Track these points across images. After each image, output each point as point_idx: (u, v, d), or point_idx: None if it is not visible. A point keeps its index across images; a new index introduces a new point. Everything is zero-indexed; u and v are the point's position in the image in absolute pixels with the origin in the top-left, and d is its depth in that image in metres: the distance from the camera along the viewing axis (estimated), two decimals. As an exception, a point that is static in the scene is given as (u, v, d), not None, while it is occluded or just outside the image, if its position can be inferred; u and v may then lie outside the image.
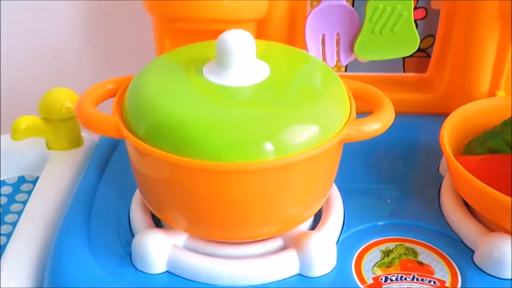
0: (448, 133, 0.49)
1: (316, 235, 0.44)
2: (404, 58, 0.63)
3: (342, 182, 0.49)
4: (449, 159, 0.46)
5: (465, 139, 0.51)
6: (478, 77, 0.60)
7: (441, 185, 0.52)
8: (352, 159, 0.56)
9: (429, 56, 0.63)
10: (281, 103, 0.42)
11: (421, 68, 0.64)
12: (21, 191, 0.60)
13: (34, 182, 0.60)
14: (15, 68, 0.70)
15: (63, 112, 0.58)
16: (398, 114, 0.61)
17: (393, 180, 0.53)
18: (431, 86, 0.63)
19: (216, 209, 0.42)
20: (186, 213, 0.43)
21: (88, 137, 0.62)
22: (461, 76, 0.61)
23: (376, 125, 0.43)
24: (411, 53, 0.56)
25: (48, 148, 0.59)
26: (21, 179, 0.60)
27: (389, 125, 0.44)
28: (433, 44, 0.62)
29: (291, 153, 0.39)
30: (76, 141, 0.59)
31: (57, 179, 0.56)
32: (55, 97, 0.58)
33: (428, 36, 0.62)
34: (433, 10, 0.60)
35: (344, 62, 0.56)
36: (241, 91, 0.42)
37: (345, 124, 0.42)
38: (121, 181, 0.52)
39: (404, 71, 0.64)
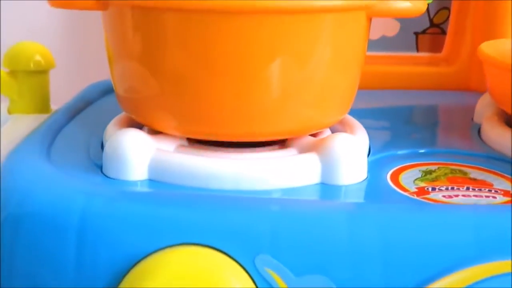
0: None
1: (343, 134, 0.35)
2: (417, 35, 0.58)
3: (364, 125, 0.41)
4: (491, 59, 0.39)
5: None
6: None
7: (479, 128, 0.43)
8: (372, 117, 0.48)
9: (444, 32, 0.57)
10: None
11: (436, 46, 0.58)
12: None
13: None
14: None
15: (31, 65, 0.50)
16: (415, 90, 0.55)
17: (424, 126, 0.45)
18: (449, 64, 0.57)
19: (218, 83, 0.32)
20: (179, 99, 0.33)
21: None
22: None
23: (406, 3, 0.36)
24: (431, 1, 0.51)
25: (9, 112, 0.50)
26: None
27: (420, 11, 0.36)
28: (448, 18, 0.57)
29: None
30: (43, 105, 0.50)
31: (14, 139, 0.47)
32: (23, 49, 0.50)
33: (441, 9, 0.57)
34: (447, -23, 0.56)
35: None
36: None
37: (372, -5, 0.35)
38: (95, 122, 0.43)
39: (417, 50, 0.58)
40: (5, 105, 0.52)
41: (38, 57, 0.50)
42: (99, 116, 0.44)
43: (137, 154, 0.33)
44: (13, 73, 0.49)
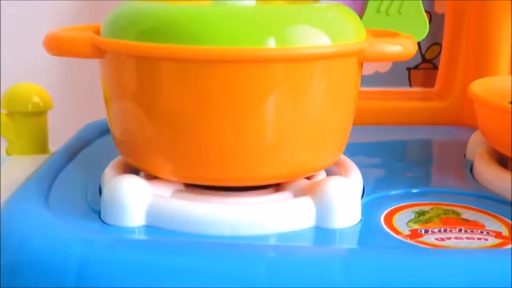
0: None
1: (337, 178, 0.35)
2: (409, 71, 0.59)
3: (358, 163, 0.42)
4: (479, 98, 0.40)
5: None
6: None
7: (471, 165, 0.44)
8: (365, 154, 0.49)
9: (436, 67, 0.58)
10: (291, 8, 0.35)
11: (428, 81, 0.59)
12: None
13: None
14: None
15: (29, 106, 0.50)
16: (408, 126, 0.56)
17: (416, 164, 0.45)
18: (441, 99, 0.58)
19: (210, 132, 0.33)
20: (174, 145, 0.34)
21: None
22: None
23: (397, 47, 0.37)
24: (421, 39, 0.52)
25: (7, 153, 0.51)
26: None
27: (411, 53, 0.37)
28: (439, 53, 0.58)
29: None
30: (41, 146, 0.51)
31: (13, 181, 0.47)
32: (21, 90, 0.50)
33: (433, 45, 0.58)
34: (438, 14, 0.57)
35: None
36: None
37: (363, 39, 0.36)
38: (92, 165, 0.43)
39: (410, 86, 0.59)
40: (3, 145, 0.53)
41: (36, 99, 0.50)
42: (97, 157, 0.45)
43: (135, 200, 0.34)
44: (11, 114, 0.50)
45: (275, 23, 0.33)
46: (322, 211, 0.34)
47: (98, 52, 0.35)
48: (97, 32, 0.37)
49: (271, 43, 0.32)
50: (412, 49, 0.38)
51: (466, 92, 0.56)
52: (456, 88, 0.57)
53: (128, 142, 0.37)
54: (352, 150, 0.41)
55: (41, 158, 0.51)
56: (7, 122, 0.50)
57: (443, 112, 0.56)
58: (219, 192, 0.36)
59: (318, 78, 0.34)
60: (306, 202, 0.34)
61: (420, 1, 0.50)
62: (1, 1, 0.63)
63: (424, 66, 0.58)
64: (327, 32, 0.34)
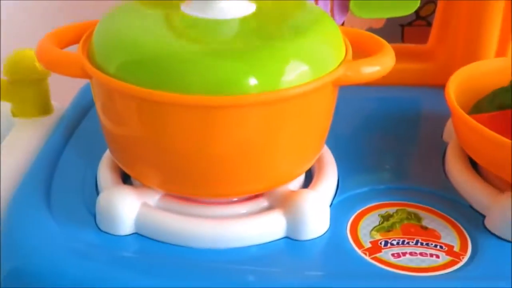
0: (454, 90, 0.44)
1: (306, 192, 0.39)
2: (403, 27, 0.59)
3: (336, 147, 0.45)
4: (455, 111, 0.41)
5: (472, 100, 0.47)
6: (484, 45, 0.55)
7: (445, 150, 0.47)
8: (346, 127, 0.51)
9: (429, 24, 0.59)
10: (267, 37, 0.37)
11: (422, 38, 0.59)
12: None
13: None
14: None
15: (31, 73, 0.53)
16: (396, 86, 0.58)
17: (393, 147, 0.48)
18: (433, 56, 0.59)
19: (193, 157, 0.36)
20: (160, 164, 0.37)
21: (58, 106, 0.56)
22: (465, 45, 0.56)
23: (375, 68, 0.38)
24: (412, 11, 0.52)
25: (13, 115, 0.54)
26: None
27: (389, 69, 0.39)
28: (434, 11, 0.58)
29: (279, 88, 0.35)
30: (45, 108, 0.54)
31: (21, 147, 0.51)
32: (22, 57, 0.52)
33: (428, 3, 0.58)
34: (434, -28, 0.56)
35: (339, 20, 0.51)
36: (223, 24, 0.37)
37: (341, 63, 0.38)
38: (89, 146, 0.47)
39: (403, 42, 0.60)
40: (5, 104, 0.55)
41: (37, 65, 0.52)
42: (92, 137, 0.47)
43: (125, 212, 0.38)
44: (13, 81, 0.52)
45: (253, 65, 0.34)
46: (292, 223, 0.38)
47: (87, 74, 0.37)
48: (91, 34, 0.39)
49: (251, 87, 0.34)
50: (390, 66, 0.39)
51: (458, 51, 0.57)
52: (448, 46, 0.57)
53: (118, 153, 0.40)
54: (336, 120, 0.42)
55: (45, 120, 0.54)
56: (10, 88, 0.52)
57: (434, 73, 0.57)
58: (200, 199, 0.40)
59: (296, 108, 0.36)
60: (277, 216, 0.38)
61: (413, -25, 0.50)
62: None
63: (418, 23, 0.59)
64: (308, 59, 0.36)
